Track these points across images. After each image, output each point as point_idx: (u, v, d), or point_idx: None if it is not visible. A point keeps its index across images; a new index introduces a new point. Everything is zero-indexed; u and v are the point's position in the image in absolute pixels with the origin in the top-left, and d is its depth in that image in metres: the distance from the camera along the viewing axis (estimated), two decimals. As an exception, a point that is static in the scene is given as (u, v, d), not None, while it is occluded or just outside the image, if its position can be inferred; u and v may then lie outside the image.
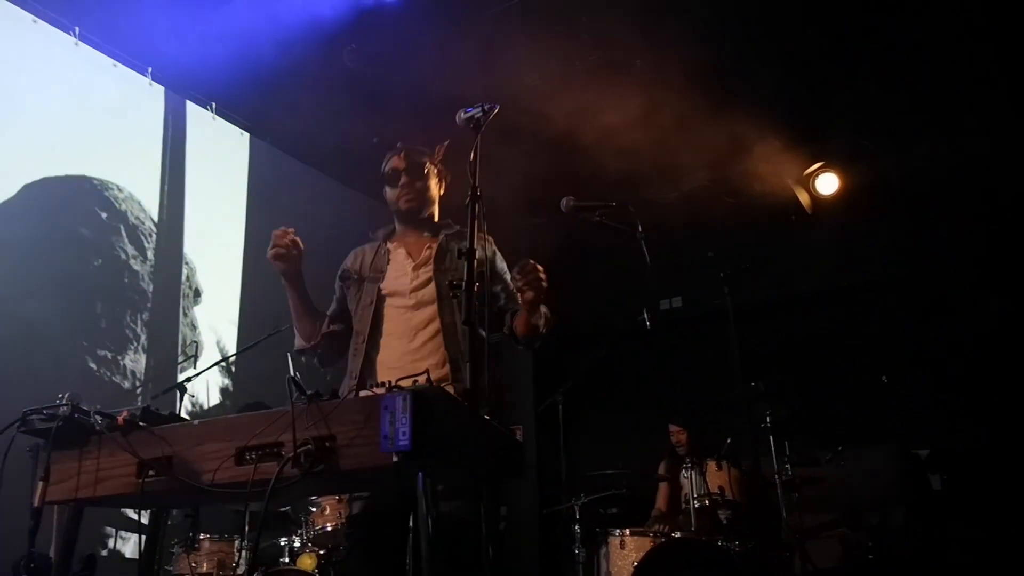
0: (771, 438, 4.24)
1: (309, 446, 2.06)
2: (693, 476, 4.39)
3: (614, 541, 4.41)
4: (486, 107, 2.60)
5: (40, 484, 2.39)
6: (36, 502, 2.38)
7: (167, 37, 5.01)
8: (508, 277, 2.74)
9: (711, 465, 4.41)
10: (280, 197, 6.01)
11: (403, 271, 2.74)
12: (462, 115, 2.62)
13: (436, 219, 2.88)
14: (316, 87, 5.27)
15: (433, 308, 2.64)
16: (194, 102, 5.66)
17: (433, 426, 2.04)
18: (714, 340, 4.07)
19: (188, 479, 2.19)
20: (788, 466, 4.33)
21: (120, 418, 2.31)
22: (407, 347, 2.63)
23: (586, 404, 6.11)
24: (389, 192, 2.87)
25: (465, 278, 2.28)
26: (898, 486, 5.33)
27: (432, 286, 2.67)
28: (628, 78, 4.75)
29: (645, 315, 4.79)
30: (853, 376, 5.55)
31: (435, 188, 2.90)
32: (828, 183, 5.99)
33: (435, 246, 2.76)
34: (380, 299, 2.71)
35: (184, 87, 5.53)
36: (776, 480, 4.19)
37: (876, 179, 5.78)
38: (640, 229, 3.42)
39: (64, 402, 2.34)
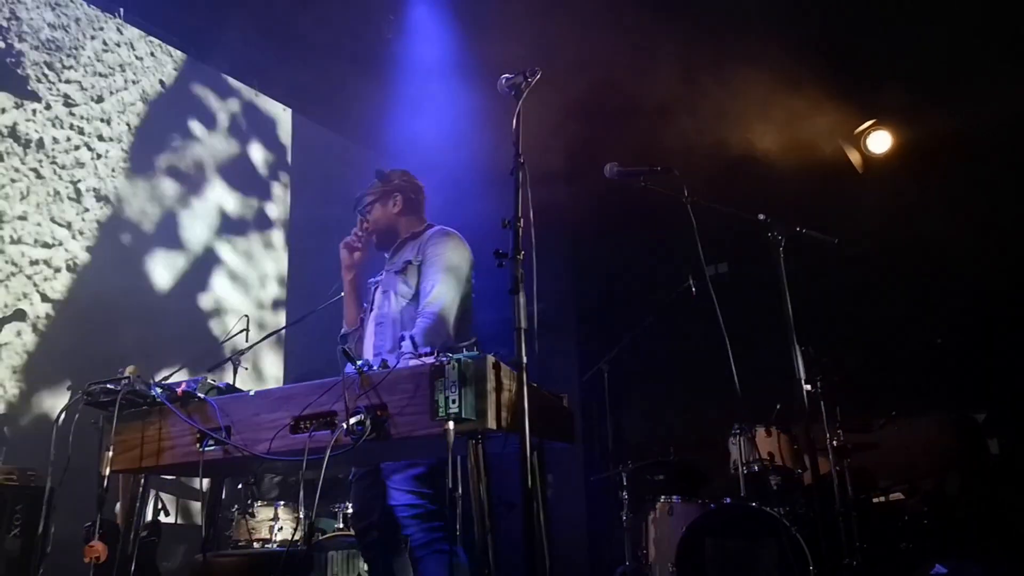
0: (822, 403, 4.16)
1: (361, 415, 2.10)
2: (742, 442, 4.35)
3: (662, 507, 4.41)
4: (527, 73, 2.56)
5: (106, 454, 2.49)
6: (103, 471, 2.48)
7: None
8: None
9: (760, 431, 4.36)
10: (323, 173, 6.06)
11: None
12: (503, 81, 2.60)
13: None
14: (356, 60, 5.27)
15: None
16: (238, 80, 5.72)
17: (483, 394, 2.05)
18: (762, 305, 3.99)
19: (246, 448, 2.25)
20: (840, 432, 4.25)
21: (179, 390, 2.38)
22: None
23: (632, 372, 6.08)
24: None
25: (512, 247, 2.27)
26: (954, 451, 5.21)
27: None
28: (670, 34, 4.63)
29: (691, 282, 4.74)
30: (907, 339, 5.41)
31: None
32: (880, 141, 5.78)
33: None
34: None
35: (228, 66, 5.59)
36: (828, 446, 4.12)
37: (931, 136, 5.56)
38: (686, 194, 3.36)
39: (126, 375, 2.42)
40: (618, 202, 5.53)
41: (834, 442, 4.15)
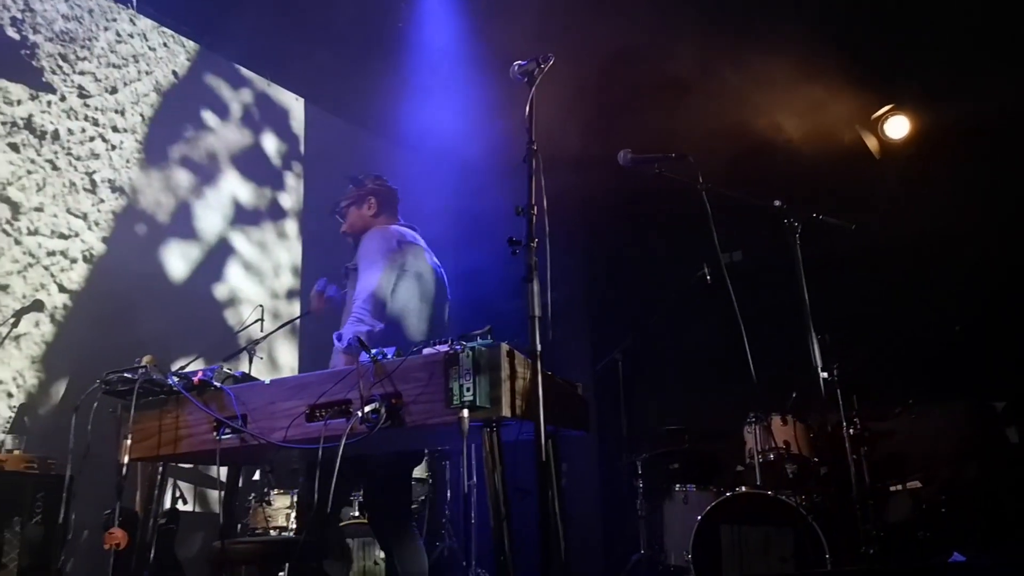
0: (839, 392, 4.13)
1: (376, 403, 2.10)
2: (758, 431, 4.33)
3: (677, 496, 4.41)
4: (540, 59, 2.55)
5: (124, 443, 2.51)
6: (121, 459, 2.51)
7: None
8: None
9: (776, 419, 4.34)
10: (336, 163, 6.06)
11: None
12: (515, 68, 2.58)
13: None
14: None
15: None
16: (251, 70, 5.72)
17: (498, 381, 2.04)
18: (778, 293, 3.96)
19: (262, 436, 2.26)
20: (857, 420, 4.22)
21: (196, 379, 2.40)
22: None
23: (646, 361, 6.06)
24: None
25: (525, 234, 2.26)
26: (972, 439, 5.16)
27: None
28: (685, 20, 4.58)
29: (706, 270, 4.71)
30: (925, 327, 5.35)
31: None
32: (898, 126, 5.70)
33: None
34: None
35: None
36: (844, 434, 4.10)
37: (950, 121, 5.48)
38: (701, 180, 3.33)
39: (142, 364, 2.44)
40: (632, 189, 5.50)
41: (851, 430, 4.12)
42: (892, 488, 4.51)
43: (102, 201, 4.66)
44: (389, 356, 2.21)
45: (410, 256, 3.03)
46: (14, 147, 4.28)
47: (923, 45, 5.14)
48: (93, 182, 4.64)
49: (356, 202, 3.28)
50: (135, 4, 5.00)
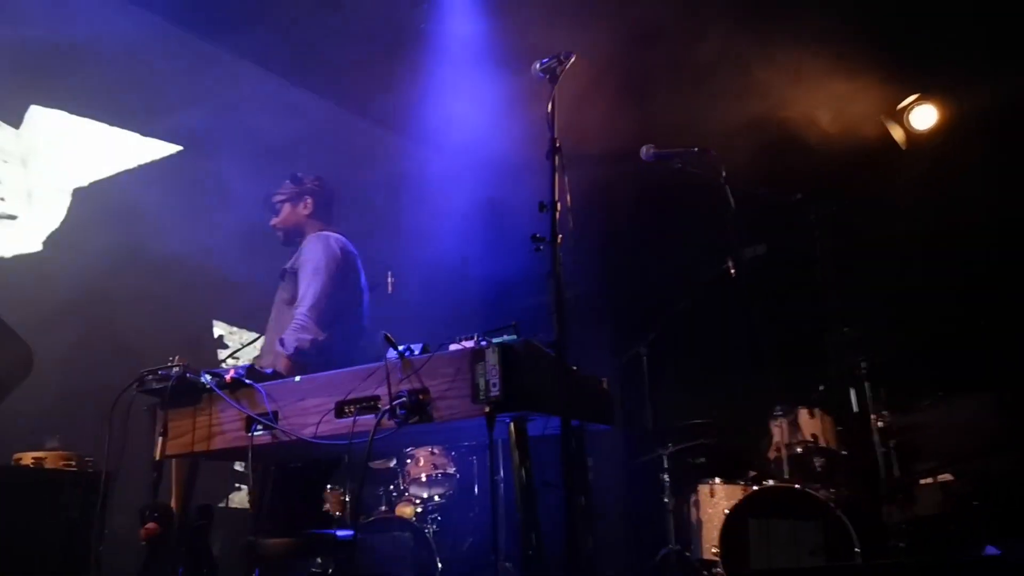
0: (866, 385, 4.10)
1: (404, 399, 2.14)
2: (784, 424, 4.31)
3: (704, 490, 4.41)
4: (561, 56, 2.57)
5: (159, 440, 2.58)
6: (156, 456, 2.57)
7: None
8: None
9: (803, 412, 4.31)
10: (354, 159, 6.10)
11: None
12: (537, 66, 2.61)
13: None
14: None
15: None
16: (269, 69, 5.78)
17: (523, 377, 2.07)
18: (802, 285, 3.95)
19: (293, 433, 2.31)
20: (885, 412, 4.19)
21: (228, 376, 2.45)
22: None
23: (670, 354, 6.05)
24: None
25: (550, 231, 2.28)
26: (1004, 431, 5.09)
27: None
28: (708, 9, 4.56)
29: (729, 263, 4.69)
30: (953, 318, 5.28)
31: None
32: (925, 116, 5.61)
33: None
34: None
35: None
36: (872, 427, 4.07)
37: (979, 111, 5.39)
38: (724, 174, 3.33)
39: (176, 363, 2.50)
40: (655, 183, 5.48)
41: (879, 423, 4.09)
42: (922, 481, 4.46)
43: (132, 203, 4.75)
44: (416, 352, 2.25)
45: (350, 267, 3.10)
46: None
47: (951, 31, 5.05)
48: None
49: (292, 199, 3.33)
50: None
